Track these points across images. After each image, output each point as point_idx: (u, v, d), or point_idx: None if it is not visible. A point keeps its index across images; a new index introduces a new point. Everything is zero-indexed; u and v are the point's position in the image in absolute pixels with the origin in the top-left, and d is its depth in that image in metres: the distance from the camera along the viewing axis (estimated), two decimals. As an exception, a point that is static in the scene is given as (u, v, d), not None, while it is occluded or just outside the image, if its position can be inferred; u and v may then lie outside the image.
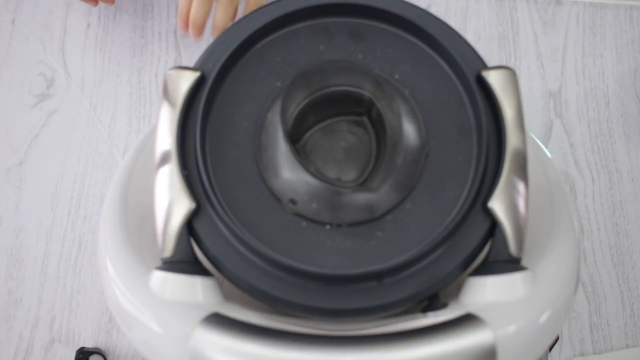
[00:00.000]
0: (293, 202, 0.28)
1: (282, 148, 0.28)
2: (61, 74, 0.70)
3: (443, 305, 0.27)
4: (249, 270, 0.27)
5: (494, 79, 0.29)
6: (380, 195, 0.28)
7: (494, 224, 0.27)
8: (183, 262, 0.27)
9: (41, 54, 0.70)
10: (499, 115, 0.29)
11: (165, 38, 0.71)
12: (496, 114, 0.29)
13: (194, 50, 0.70)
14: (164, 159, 0.28)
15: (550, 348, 0.60)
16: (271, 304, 0.27)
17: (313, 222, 0.28)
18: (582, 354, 0.61)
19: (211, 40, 0.32)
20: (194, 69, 0.30)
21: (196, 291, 0.26)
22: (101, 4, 0.70)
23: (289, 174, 0.28)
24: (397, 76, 0.31)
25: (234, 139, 0.30)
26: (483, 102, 0.29)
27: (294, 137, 0.30)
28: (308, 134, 0.31)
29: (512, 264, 0.27)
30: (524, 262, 0.27)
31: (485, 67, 0.30)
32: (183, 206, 0.27)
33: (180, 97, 0.29)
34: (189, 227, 0.27)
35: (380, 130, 0.30)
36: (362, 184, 0.30)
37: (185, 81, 0.29)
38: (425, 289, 0.26)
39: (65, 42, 0.71)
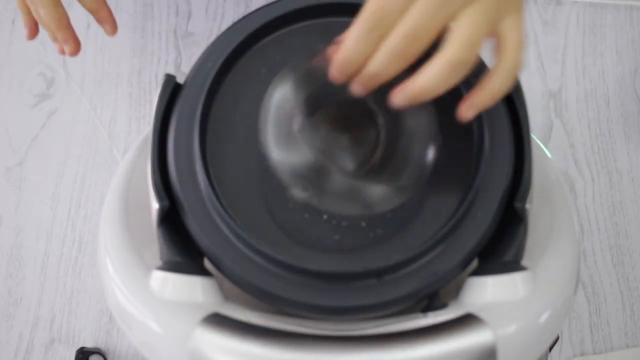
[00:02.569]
0: (294, 194, 0.28)
1: (285, 138, 0.29)
2: (61, 74, 0.70)
3: (443, 305, 0.27)
4: (249, 269, 0.27)
5: None
6: (381, 193, 0.28)
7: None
8: (183, 262, 0.27)
9: (41, 54, 0.70)
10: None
11: (165, 38, 0.71)
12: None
13: (194, 50, 0.70)
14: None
15: (550, 348, 0.60)
16: (271, 303, 0.27)
17: (313, 220, 0.28)
18: (582, 354, 0.61)
19: (210, 40, 0.32)
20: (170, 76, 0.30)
21: (196, 291, 0.27)
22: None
23: (292, 165, 0.28)
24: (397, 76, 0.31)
25: (234, 137, 0.30)
26: None
27: (298, 130, 0.30)
28: (313, 126, 0.31)
29: (512, 264, 0.27)
30: (524, 262, 0.27)
31: (485, 67, 0.30)
32: (155, 206, 0.28)
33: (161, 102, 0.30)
34: (189, 226, 0.27)
35: (387, 128, 0.30)
36: (365, 181, 0.30)
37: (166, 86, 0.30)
38: (424, 286, 0.26)
39: (65, 42, 0.71)
